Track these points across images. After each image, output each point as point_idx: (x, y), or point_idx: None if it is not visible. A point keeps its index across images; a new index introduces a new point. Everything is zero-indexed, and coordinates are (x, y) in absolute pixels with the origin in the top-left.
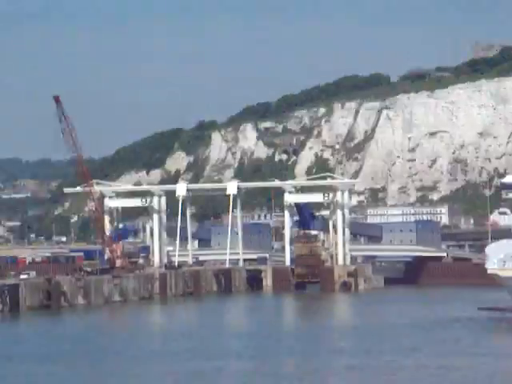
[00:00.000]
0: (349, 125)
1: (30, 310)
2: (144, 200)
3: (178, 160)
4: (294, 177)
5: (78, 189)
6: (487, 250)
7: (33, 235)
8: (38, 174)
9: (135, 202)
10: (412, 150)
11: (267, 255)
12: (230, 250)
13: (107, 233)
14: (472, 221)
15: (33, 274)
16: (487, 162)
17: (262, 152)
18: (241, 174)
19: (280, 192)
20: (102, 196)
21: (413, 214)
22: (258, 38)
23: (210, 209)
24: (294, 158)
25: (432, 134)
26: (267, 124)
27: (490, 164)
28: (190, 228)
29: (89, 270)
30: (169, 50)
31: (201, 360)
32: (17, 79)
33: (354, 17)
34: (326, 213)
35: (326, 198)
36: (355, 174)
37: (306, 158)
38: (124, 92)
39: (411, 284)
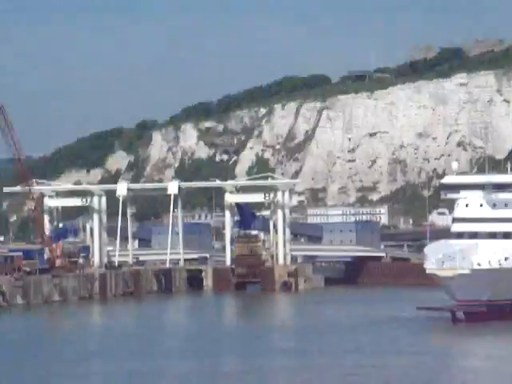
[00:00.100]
0: (289, 125)
1: None
2: (84, 199)
3: (119, 159)
4: (234, 177)
5: (17, 188)
6: (426, 250)
7: None
8: None
9: (75, 202)
10: (352, 150)
11: (208, 255)
12: (171, 250)
13: (47, 232)
14: (411, 221)
15: None
16: (426, 163)
17: (202, 152)
18: (181, 174)
19: (221, 192)
20: (42, 195)
21: (353, 215)
22: (200, 37)
23: (150, 208)
24: (235, 157)
25: (372, 135)
26: (208, 124)
27: (429, 165)
28: (131, 228)
29: (28, 269)
30: (108, 49)
31: (140, 360)
32: None
33: (294, 17)
34: (266, 213)
35: (267, 198)
36: (296, 174)
37: (246, 158)
38: (64, 90)
39: (351, 284)
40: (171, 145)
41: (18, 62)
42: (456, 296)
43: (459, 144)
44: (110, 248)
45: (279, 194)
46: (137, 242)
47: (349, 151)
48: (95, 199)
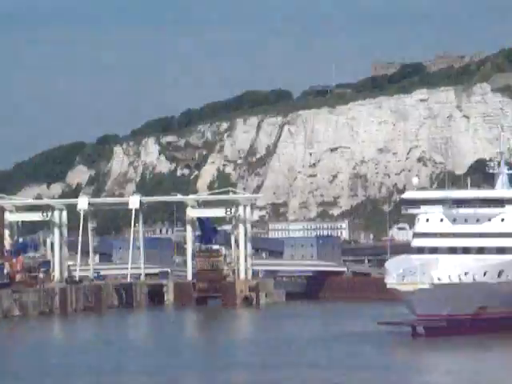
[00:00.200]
0: (251, 140)
1: None
2: (45, 214)
3: (80, 174)
4: (196, 191)
5: None
6: (386, 264)
7: None
8: None
9: (36, 216)
10: (313, 165)
11: (169, 270)
12: (132, 265)
13: (7, 247)
14: (371, 236)
15: None
16: (387, 178)
17: (163, 166)
18: (143, 189)
19: (182, 206)
20: (2, 210)
21: (314, 229)
22: (160, 51)
23: (111, 223)
24: (196, 172)
25: (333, 150)
26: (169, 138)
27: (390, 180)
28: (92, 242)
29: None
30: (72, 62)
31: (98, 375)
32: None
33: (256, 31)
34: (228, 227)
35: (228, 213)
36: (257, 189)
37: (208, 173)
38: (26, 103)
39: (312, 299)
40: (132, 159)
41: None
42: (416, 311)
43: (419, 159)
44: (70, 262)
45: (241, 208)
46: (98, 256)
47: (310, 166)
48: (56, 214)
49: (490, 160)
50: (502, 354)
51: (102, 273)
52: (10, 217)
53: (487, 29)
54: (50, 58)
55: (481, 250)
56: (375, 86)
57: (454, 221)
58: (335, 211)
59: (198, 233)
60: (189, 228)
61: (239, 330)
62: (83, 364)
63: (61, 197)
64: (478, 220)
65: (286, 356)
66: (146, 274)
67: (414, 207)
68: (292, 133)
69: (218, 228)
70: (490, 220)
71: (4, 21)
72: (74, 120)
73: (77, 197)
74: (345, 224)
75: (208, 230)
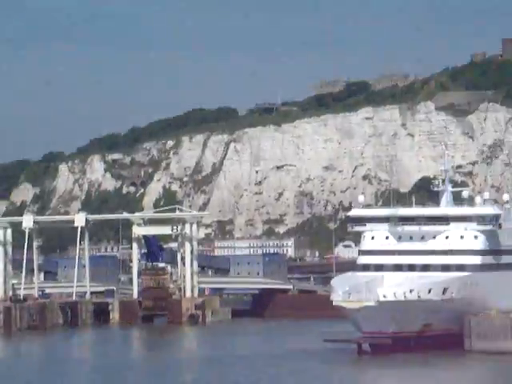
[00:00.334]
0: (197, 157)
1: None
2: None
3: (24, 191)
4: (141, 209)
5: None
6: (332, 282)
7: None
8: None
9: None
10: (259, 183)
11: (115, 288)
12: (77, 283)
13: None
14: (317, 253)
15: None
16: (332, 196)
17: (109, 184)
18: (88, 206)
19: (128, 224)
20: None
21: (260, 247)
22: (106, 69)
23: (56, 241)
24: (142, 190)
25: (279, 168)
26: (115, 156)
27: (335, 197)
28: (37, 260)
29: None
30: (16, 79)
31: None
32: None
33: (204, 50)
34: (174, 245)
35: (175, 231)
36: (203, 207)
37: (154, 190)
38: None
39: (258, 316)
40: (78, 177)
41: None
42: (362, 328)
43: (365, 177)
44: (15, 281)
45: (187, 226)
46: (43, 274)
47: (256, 184)
48: (0, 232)
49: (435, 178)
50: (446, 372)
51: (47, 291)
52: None
53: (431, 48)
54: None
55: (426, 268)
56: (321, 104)
57: (399, 238)
58: (281, 229)
59: (143, 251)
60: (135, 246)
61: (184, 348)
62: (25, 383)
63: (5, 215)
64: (422, 237)
65: (229, 374)
66: (92, 293)
67: (360, 225)
68: (238, 150)
69: (164, 246)
70: (434, 237)
71: None
72: (19, 137)
73: (21, 215)
74: (291, 241)
75: (154, 248)
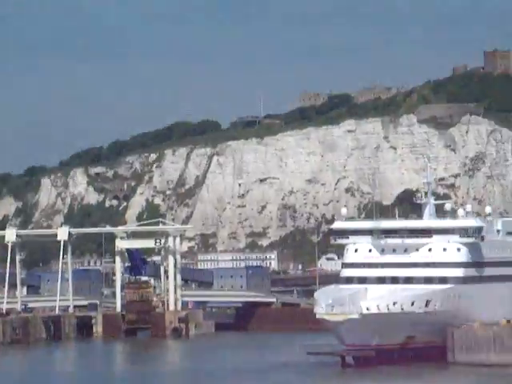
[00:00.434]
0: (180, 170)
1: None
2: None
3: (7, 205)
4: (124, 222)
5: None
6: (315, 295)
7: None
8: None
9: None
10: (242, 196)
11: (98, 302)
12: (60, 297)
13: None
14: (300, 266)
15: None
16: (315, 209)
17: (92, 197)
18: (71, 220)
19: (111, 238)
20: None
21: (243, 260)
22: (87, 82)
23: (39, 255)
24: (125, 203)
25: (262, 181)
26: (98, 169)
27: (318, 210)
28: (19, 274)
29: None
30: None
31: None
32: None
33: (186, 61)
34: (157, 258)
35: (158, 244)
36: (186, 220)
37: (136, 204)
38: None
39: (242, 329)
40: (60, 190)
41: None
42: (345, 341)
43: (347, 190)
44: None
45: (170, 239)
46: (25, 288)
47: (239, 197)
48: None
49: (417, 190)
50: None
51: (30, 305)
52: None
53: (413, 61)
54: None
55: (409, 280)
56: (303, 117)
57: (382, 251)
58: (264, 242)
59: (127, 264)
60: (118, 259)
61: (167, 361)
62: None
63: None
64: (405, 250)
65: None
66: (75, 306)
67: (343, 237)
68: (221, 163)
69: (148, 259)
70: (417, 250)
71: None
72: (1, 151)
73: (4, 229)
74: (274, 254)
75: (137, 262)
